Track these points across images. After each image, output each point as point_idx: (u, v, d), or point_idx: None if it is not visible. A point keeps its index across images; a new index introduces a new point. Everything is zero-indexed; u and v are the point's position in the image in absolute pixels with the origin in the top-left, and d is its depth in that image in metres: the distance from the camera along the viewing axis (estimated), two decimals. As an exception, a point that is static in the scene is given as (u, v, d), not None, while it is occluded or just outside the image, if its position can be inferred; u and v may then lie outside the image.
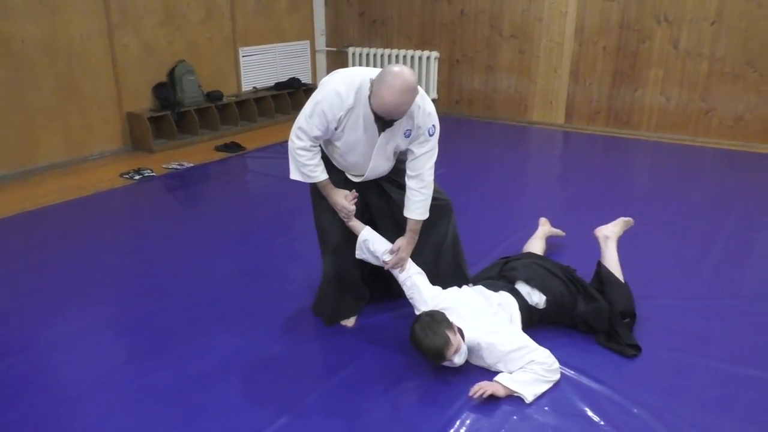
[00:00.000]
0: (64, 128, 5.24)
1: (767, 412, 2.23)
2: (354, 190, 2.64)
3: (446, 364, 2.33)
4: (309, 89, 7.25)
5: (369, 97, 2.29)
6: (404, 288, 2.62)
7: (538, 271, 2.72)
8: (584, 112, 6.51)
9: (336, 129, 2.42)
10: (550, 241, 3.48)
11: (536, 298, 2.65)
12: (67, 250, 3.66)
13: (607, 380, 2.40)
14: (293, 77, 7.16)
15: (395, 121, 2.31)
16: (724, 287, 3.11)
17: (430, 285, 2.61)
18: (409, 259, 2.63)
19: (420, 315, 2.38)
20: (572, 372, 2.44)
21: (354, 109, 2.38)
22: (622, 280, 2.79)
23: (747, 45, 5.58)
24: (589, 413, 2.21)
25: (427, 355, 2.33)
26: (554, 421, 2.18)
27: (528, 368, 2.31)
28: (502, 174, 5.13)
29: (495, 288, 2.64)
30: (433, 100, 7.29)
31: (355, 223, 2.67)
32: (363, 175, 2.59)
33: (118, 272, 3.39)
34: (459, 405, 2.28)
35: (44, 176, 5.00)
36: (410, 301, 2.61)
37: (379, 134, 2.42)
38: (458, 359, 2.33)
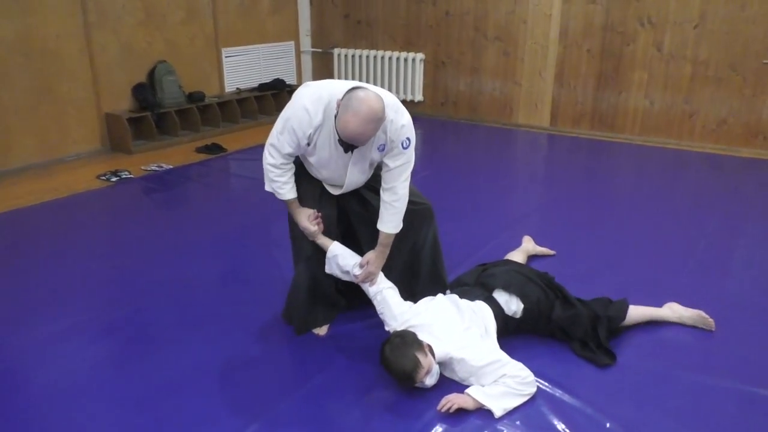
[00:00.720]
0: (39, 129, 5.15)
1: (743, 426, 2.19)
2: (316, 211, 2.61)
3: (417, 385, 2.28)
4: (293, 90, 7.15)
5: (335, 117, 2.26)
6: (374, 303, 2.57)
7: (517, 277, 2.67)
8: (569, 114, 6.48)
9: (308, 145, 2.40)
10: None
11: (514, 306, 2.60)
12: (39, 253, 3.58)
13: (582, 392, 2.35)
14: (277, 78, 7.09)
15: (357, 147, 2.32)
16: (704, 294, 3.07)
17: (401, 300, 2.55)
18: (381, 273, 2.57)
19: (390, 336, 2.32)
20: (546, 384, 2.39)
21: (323, 126, 2.35)
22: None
23: (730, 48, 5.57)
24: (561, 427, 2.16)
25: (396, 379, 2.28)
26: (525, 434, 2.13)
27: (500, 381, 2.26)
28: (485, 177, 5.09)
29: (471, 296, 2.59)
30: (418, 102, 7.32)
31: (323, 240, 2.62)
32: (341, 187, 2.57)
33: (90, 276, 3.31)
34: (429, 417, 2.22)
35: (18, 178, 4.90)
36: (380, 316, 2.55)
37: (348, 151, 2.39)
38: (429, 381, 2.28)
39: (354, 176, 2.51)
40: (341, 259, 2.56)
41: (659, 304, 2.91)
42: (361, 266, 2.53)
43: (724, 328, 2.78)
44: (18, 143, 5.03)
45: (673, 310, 2.84)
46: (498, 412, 2.19)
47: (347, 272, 2.57)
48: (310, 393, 2.36)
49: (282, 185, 2.53)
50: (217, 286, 3.20)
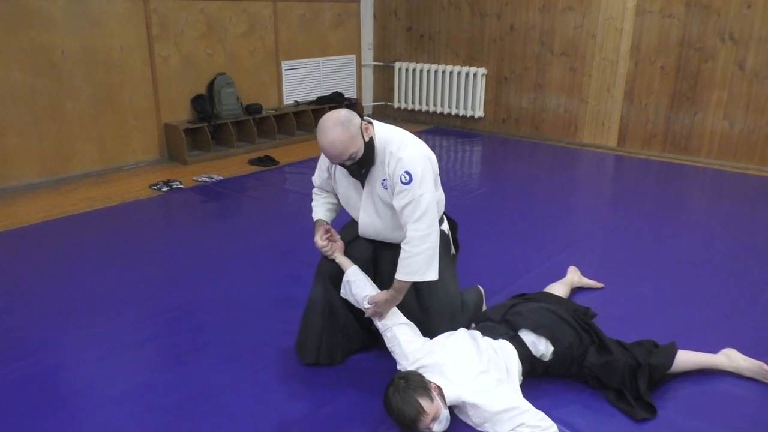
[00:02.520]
0: (100, 138, 5.31)
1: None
2: (327, 224, 2.55)
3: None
4: (352, 104, 7.14)
5: None
6: (384, 339, 2.39)
7: (548, 318, 2.44)
8: (639, 135, 6.09)
9: (328, 178, 2.49)
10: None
11: (542, 348, 2.37)
12: (77, 261, 3.63)
13: (612, 449, 2.10)
14: (336, 91, 7.06)
15: (359, 169, 2.25)
16: (763, 343, 2.72)
17: (414, 337, 2.36)
18: (395, 308, 2.41)
19: (394, 378, 2.13)
20: (572, 434, 2.15)
21: None
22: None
23: (822, 67, 5.06)
24: (583, 490, 1.92)
25: (398, 425, 2.10)
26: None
27: (517, 431, 2.04)
28: (543, 199, 4.81)
29: (494, 334, 2.38)
30: (479, 119, 7.11)
31: (341, 259, 2.49)
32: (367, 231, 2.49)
33: (116, 289, 3.30)
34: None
35: (77, 185, 5.06)
36: (391, 353, 2.38)
37: (362, 185, 2.37)
38: (437, 428, 2.08)
39: (368, 216, 2.40)
40: (355, 286, 2.41)
41: (715, 351, 2.60)
42: (370, 303, 2.38)
43: (789, 388, 2.43)
44: (80, 151, 5.20)
45: (730, 358, 2.52)
46: (514, 468, 1.97)
47: (360, 302, 2.42)
48: (313, 427, 2.22)
49: (315, 206, 2.62)
50: (239, 309, 3.09)
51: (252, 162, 5.73)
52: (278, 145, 6.30)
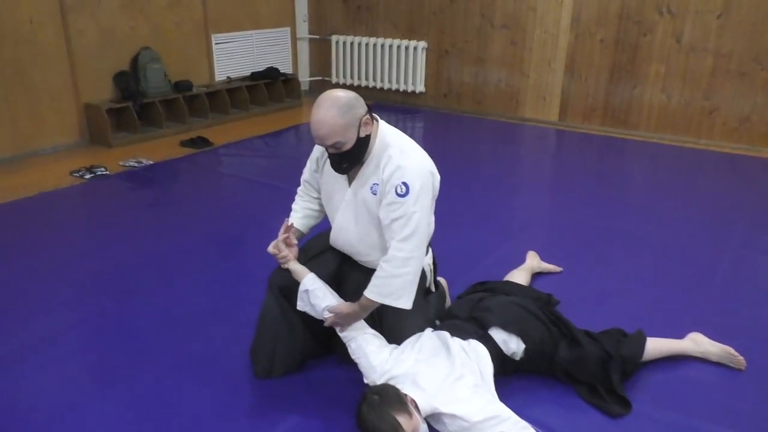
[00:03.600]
0: (11, 120, 4.81)
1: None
2: (288, 221, 2.31)
3: None
4: (288, 80, 6.81)
5: None
6: (349, 350, 2.19)
7: (517, 313, 2.31)
8: (579, 109, 6.09)
9: (317, 173, 2.26)
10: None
11: (513, 345, 2.25)
12: (-8, 263, 3.26)
13: (590, 449, 2.01)
14: (271, 66, 6.71)
15: (341, 161, 2.01)
16: (731, 325, 2.72)
17: (381, 347, 2.16)
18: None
19: (367, 393, 1.95)
20: (548, 437, 2.05)
21: None
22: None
23: (755, 40, 5.15)
24: (566, 498, 1.83)
25: None
26: None
27: (498, 441, 1.91)
28: (488, 177, 4.72)
29: (464, 334, 2.23)
30: (420, 94, 6.93)
31: (296, 267, 2.25)
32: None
33: (34, 294, 2.96)
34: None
35: (-14, 173, 4.58)
36: (357, 365, 2.19)
37: (348, 183, 2.14)
38: None
39: (345, 219, 2.16)
40: (313, 296, 2.19)
41: (679, 334, 2.56)
42: (330, 312, 2.17)
43: (756, 373, 2.42)
44: (-12, 135, 4.70)
45: (697, 343, 2.49)
46: (496, 481, 1.84)
47: (319, 312, 2.21)
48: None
49: (293, 211, 2.37)
50: (177, 313, 2.83)
51: (184, 144, 5.36)
52: (211, 125, 5.93)
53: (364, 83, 7.05)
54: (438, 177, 2.10)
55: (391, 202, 1.98)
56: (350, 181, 2.13)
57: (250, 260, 3.31)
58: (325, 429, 2.10)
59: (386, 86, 6.92)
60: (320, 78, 7.44)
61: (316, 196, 2.34)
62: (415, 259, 2.01)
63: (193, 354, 2.49)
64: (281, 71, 6.76)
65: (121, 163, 4.82)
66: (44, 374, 2.37)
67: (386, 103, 7.02)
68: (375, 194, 2.05)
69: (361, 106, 1.97)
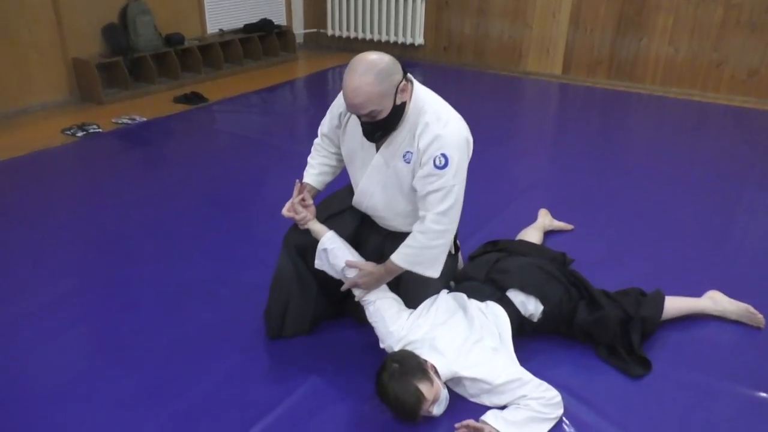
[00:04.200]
0: (-4, 77, 4.62)
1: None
2: (309, 190, 2.19)
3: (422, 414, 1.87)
4: (283, 32, 6.59)
5: None
6: (366, 313, 2.11)
7: (536, 274, 2.24)
8: (584, 62, 5.93)
9: (338, 128, 2.12)
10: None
11: (531, 307, 2.19)
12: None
13: (612, 411, 1.97)
14: (265, 18, 6.47)
15: (375, 131, 1.87)
16: (747, 283, 2.66)
17: (399, 311, 2.08)
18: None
19: (387, 361, 1.88)
20: (571, 399, 1.99)
21: None
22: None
23: (769, -11, 4.99)
24: (591, 462, 1.79)
25: (396, 415, 1.87)
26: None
27: (522, 404, 1.86)
28: (493, 133, 4.59)
29: (480, 296, 2.16)
30: (419, 47, 6.73)
31: (317, 227, 2.15)
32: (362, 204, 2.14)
33: (30, 257, 2.86)
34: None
35: (-26, 132, 4.42)
36: (374, 329, 2.11)
37: (376, 146, 2.00)
38: (437, 410, 1.87)
39: (371, 185, 2.04)
40: (332, 255, 2.10)
41: (696, 292, 2.51)
42: (351, 267, 2.07)
43: (774, 329, 2.38)
44: (-27, 92, 4.52)
45: (715, 302, 2.44)
46: (522, 446, 1.80)
47: (339, 272, 2.12)
48: (287, 414, 1.95)
49: (308, 166, 2.25)
50: (184, 271, 2.75)
51: (177, 100, 5.19)
52: (205, 80, 5.74)
53: (360, 35, 6.83)
54: (472, 143, 1.99)
55: (429, 174, 1.86)
56: (378, 145, 2.00)
57: (253, 221, 3.22)
58: (343, 394, 2.04)
59: (384, 39, 6.71)
60: (315, 30, 7.21)
61: (334, 151, 2.22)
62: (451, 231, 1.93)
63: (203, 321, 2.41)
64: (275, 23, 6.52)
65: (113, 120, 4.66)
66: (45, 343, 2.29)
67: (384, 57, 6.81)
68: (408, 163, 1.93)
69: (398, 71, 1.82)
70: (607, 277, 2.52)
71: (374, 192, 2.04)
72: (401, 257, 1.96)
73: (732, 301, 2.43)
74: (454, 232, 1.98)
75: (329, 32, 7.03)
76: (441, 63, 6.59)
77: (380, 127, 1.87)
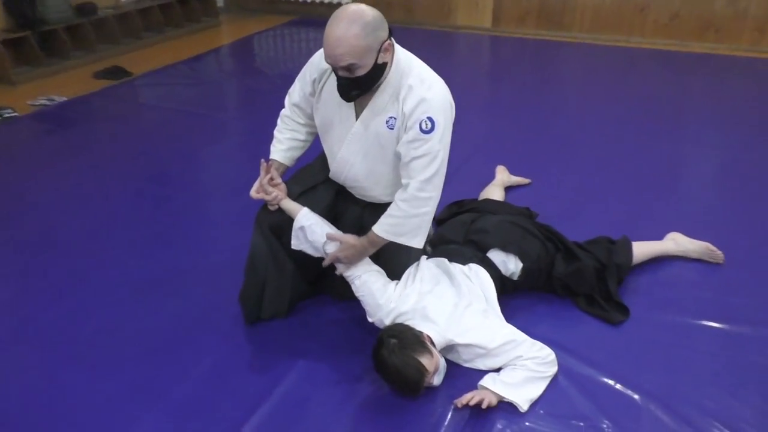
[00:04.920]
0: None
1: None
2: (267, 160, 2.08)
3: None
4: (202, -4, 6.23)
5: None
6: (353, 287, 2.05)
7: (513, 232, 2.25)
8: (513, 13, 5.95)
9: (312, 95, 2.00)
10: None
11: (512, 266, 2.20)
12: None
13: (600, 360, 2.02)
14: (181, -18, 6.10)
15: (350, 88, 1.77)
16: (700, 220, 2.79)
17: (386, 284, 2.03)
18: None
19: (383, 337, 1.84)
20: (559, 352, 2.02)
21: (332, 76, 1.87)
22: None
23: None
24: (590, 411, 1.83)
25: (398, 390, 1.85)
26: (553, 429, 1.78)
27: (519, 365, 1.88)
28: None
29: (462, 258, 2.15)
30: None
31: (290, 205, 2.04)
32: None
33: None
34: (437, 418, 1.83)
35: None
36: (361, 303, 2.06)
37: (355, 113, 1.91)
38: (437, 380, 1.87)
39: (351, 154, 1.95)
40: (310, 232, 2.01)
41: (655, 235, 2.60)
42: (331, 240, 2.00)
43: (733, 261, 2.50)
44: None
45: (677, 243, 2.54)
46: (524, 405, 1.81)
47: (318, 248, 2.05)
48: (278, 406, 1.87)
49: (275, 141, 2.13)
50: (134, 259, 2.60)
51: (98, 75, 4.84)
52: (125, 52, 5.38)
53: (285, -4, 6.57)
54: (454, 106, 1.93)
55: (414, 138, 1.80)
56: (357, 112, 1.91)
57: (203, 199, 3.08)
58: (335, 373, 1.99)
59: (309, -1, 6.49)
60: (236, -7, 6.88)
61: (303, 122, 2.11)
62: (435, 199, 1.88)
63: (175, 313, 2.27)
64: (194, -13, 6.17)
65: (29, 103, 4.30)
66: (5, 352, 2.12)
67: (312, 18, 6.61)
68: (392, 129, 1.85)
69: (384, 29, 1.72)
70: (569, 228, 2.54)
71: (354, 161, 1.96)
72: (384, 228, 1.91)
73: (692, 240, 2.53)
74: (438, 200, 1.94)
75: (250, -6, 6.72)
76: (370, 21, 6.43)
77: (357, 86, 1.78)
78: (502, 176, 3.06)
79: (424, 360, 1.79)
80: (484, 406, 1.78)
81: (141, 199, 3.10)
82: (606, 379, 1.95)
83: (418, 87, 1.80)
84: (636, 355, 2.05)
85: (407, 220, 1.88)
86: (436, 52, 5.59)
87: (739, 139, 3.66)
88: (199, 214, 2.96)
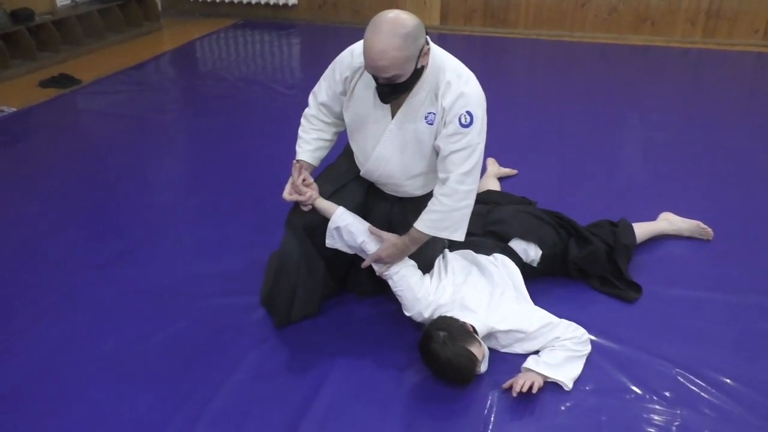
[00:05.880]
0: None
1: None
2: (297, 160, 2.07)
3: None
4: (143, 0, 6.00)
5: None
6: (390, 283, 2.05)
7: (530, 221, 2.32)
8: (460, 11, 6.09)
9: (343, 95, 1.99)
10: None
11: (533, 253, 2.28)
12: None
13: (623, 335, 2.12)
14: (120, -15, 5.85)
15: (392, 93, 1.78)
16: (684, 201, 2.97)
17: (422, 277, 2.05)
18: None
19: (430, 331, 1.86)
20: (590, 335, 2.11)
21: (364, 74, 1.87)
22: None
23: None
24: (630, 384, 1.92)
25: (453, 382, 1.88)
26: (601, 402, 1.86)
27: (558, 346, 1.94)
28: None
29: (485, 249, 2.20)
30: (292, 7, 6.48)
31: (324, 205, 2.02)
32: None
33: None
34: (486, 405, 1.86)
35: None
36: (398, 298, 2.06)
37: (391, 110, 1.91)
38: (483, 367, 1.92)
39: (389, 151, 1.93)
40: (346, 232, 2.00)
41: (646, 215, 2.75)
42: (372, 236, 2.00)
43: (721, 236, 2.68)
44: None
45: (670, 222, 2.69)
46: (569, 384, 1.88)
47: (354, 246, 2.03)
48: (332, 400, 1.87)
49: (302, 141, 2.10)
50: (102, 280, 2.47)
51: (44, 84, 4.57)
52: (66, 59, 5.11)
53: (227, -1, 6.44)
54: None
55: (454, 132, 1.81)
56: (393, 109, 1.91)
57: (152, 203, 3.00)
58: (377, 368, 1.99)
59: (254, 0, 6.37)
60: (175, -5, 6.67)
61: (331, 121, 2.09)
62: (474, 191, 1.90)
63: (195, 325, 2.20)
64: (132, -9, 5.93)
65: (-26, 115, 4.02)
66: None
67: (255, 20, 6.50)
68: (431, 124, 1.86)
69: (423, 35, 1.73)
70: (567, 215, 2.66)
71: (391, 158, 1.96)
72: (427, 224, 1.92)
73: (684, 219, 2.69)
74: (476, 192, 1.97)
75: (190, -4, 6.54)
76: (317, 22, 6.41)
77: (397, 90, 1.80)
78: (493, 168, 3.14)
79: (474, 349, 1.83)
80: (534, 390, 1.83)
81: (91, 213, 2.95)
82: (635, 353, 2.05)
83: (456, 82, 1.82)
84: (656, 328, 2.17)
85: (450, 214, 1.90)
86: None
87: (681, 121, 3.95)
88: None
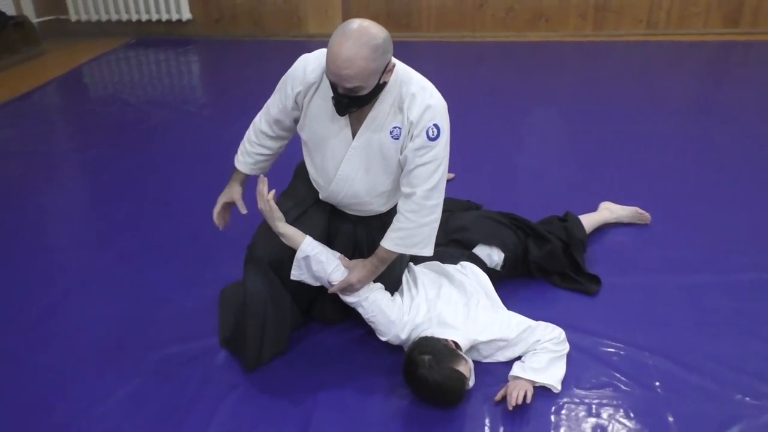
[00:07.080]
0: None
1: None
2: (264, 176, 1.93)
3: None
4: (20, 23, 5.51)
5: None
6: (360, 310, 1.94)
7: (490, 226, 2.31)
8: (362, 17, 6.03)
9: (296, 111, 1.88)
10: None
11: (496, 258, 2.26)
12: None
13: (593, 328, 2.14)
14: (-9, 9, 5.34)
15: (353, 102, 1.68)
16: (615, 189, 3.08)
17: (390, 299, 1.96)
18: None
19: (413, 356, 1.77)
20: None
21: (319, 89, 1.76)
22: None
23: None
24: (613, 378, 1.94)
25: (444, 405, 1.81)
26: (593, 399, 1.86)
27: (539, 349, 1.92)
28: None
29: (452, 259, 2.16)
30: (187, 22, 6.18)
31: (288, 231, 1.89)
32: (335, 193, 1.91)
33: None
34: (479, 418, 1.82)
35: None
36: (371, 325, 1.97)
37: (350, 126, 1.81)
38: (471, 383, 1.86)
39: (353, 170, 1.83)
40: (315, 261, 1.87)
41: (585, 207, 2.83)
42: (344, 267, 1.91)
43: (658, 220, 2.79)
44: None
45: (611, 211, 2.77)
46: (558, 386, 1.86)
47: (320, 277, 1.90)
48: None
49: (243, 152, 2.05)
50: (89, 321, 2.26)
51: None
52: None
53: (114, 17, 6.06)
54: None
55: (421, 146, 1.74)
56: (354, 125, 1.81)
57: (95, 261, 2.72)
58: (360, 397, 1.89)
59: (144, 17, 6.04)
60: (54, 17, 6.17)
61: (276, 135, 1.98)
62: (441, 205, 1.84)
63: (138, 391, 2.00)
64: (8, 15, 5.42)
65: None
66: None
67: (149, 38, 6.15)
68: (397, 139, 1.77)
69: (391, 50, 1.66)
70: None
71: (356, 176, 1.86)
72: (394, 242, 1.84)
73: (623, 207, 2.78)
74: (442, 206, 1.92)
75: (72, 17, 6.08)
76: (215, 37, 6.15)
77: (355, 103, 1.71)
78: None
79: (461, 368, 1.78)
80: (528, 400, 1.80)
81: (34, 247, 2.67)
82: (610, 344, 2.07)
83: (421, 94, 1.76)
84: (623, 318, 2.21)
85: (418, 230, 1.83)
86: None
87: (586, 111, 4.14)
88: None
